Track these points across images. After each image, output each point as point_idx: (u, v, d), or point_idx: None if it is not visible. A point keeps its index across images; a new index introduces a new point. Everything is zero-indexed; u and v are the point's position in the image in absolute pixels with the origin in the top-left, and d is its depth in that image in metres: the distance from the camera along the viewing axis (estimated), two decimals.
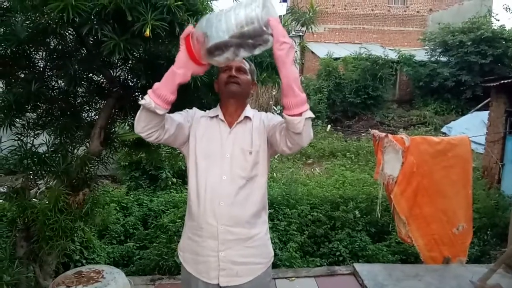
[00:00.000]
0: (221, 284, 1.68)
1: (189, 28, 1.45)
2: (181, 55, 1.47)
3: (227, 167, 1.66)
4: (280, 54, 1.36)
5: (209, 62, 1.48)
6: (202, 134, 1.72)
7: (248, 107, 1.79)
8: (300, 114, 1.41)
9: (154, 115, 1.49)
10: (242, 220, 1.65)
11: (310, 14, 2.52)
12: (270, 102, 14.05)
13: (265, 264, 1.75)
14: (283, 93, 1.43)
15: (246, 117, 1.73)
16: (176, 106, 2.67)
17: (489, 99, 8.35)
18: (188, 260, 1.75)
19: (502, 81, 7.02)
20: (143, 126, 1.52)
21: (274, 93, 14.05)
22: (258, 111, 1.85)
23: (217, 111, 1.77)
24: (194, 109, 1.83)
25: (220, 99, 1.79)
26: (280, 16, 2.81)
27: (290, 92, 1.40)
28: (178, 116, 1.72)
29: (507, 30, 14.20)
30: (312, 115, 1.46)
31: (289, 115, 1.42)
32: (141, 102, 1.47)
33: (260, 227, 1.72)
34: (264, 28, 1.36)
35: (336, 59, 14.69)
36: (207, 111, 1.83)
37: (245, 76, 1.73)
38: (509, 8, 17.14)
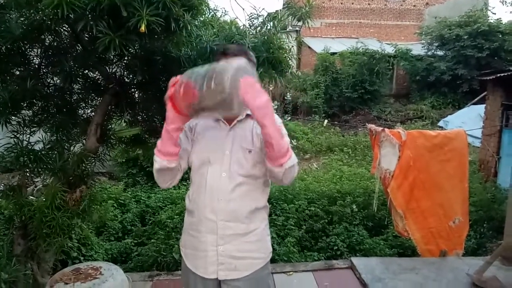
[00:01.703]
0: (219, 277, 1.70)
1: (170, 90, 1.49)
2: (169, 114, 1.53)
3: (227, 165, 1.67)
4: (256, 117, 1.41)
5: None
6: (203, 134, 1.74)
7: None
8: (281, 165, 1.50)
9: (170, 169, 1.63)
10: (240, 216, 1.67)
11: (307, 8, 2.52)
12: None
13: (264, 259, 1.77)
14: (264, 144, 1.51)
15: (248, 115, 1.72)
16: None
17: (485, 92, 8.36)
18: (188, 256, 1.78)
19: (499, 75, 7.02)
20: (168, 182, 1.71)
21: (271, 88, 14.04)
22: None
23: None
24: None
25: None
26: (276, 11, 2.82)
27: (270, 147, 1.47)
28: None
29: (503, 23, 14.21)
30: (294, 162, 1.52)
31: (269, 165, 1.51)
32: (156, 166, 1.62)
33: (258, 222, 1.74)
34: (228, 90, 1.33)
35: (333, 53, 14.67)
36: None
37: None
38: (506, 2, 17.11)
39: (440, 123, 11.94)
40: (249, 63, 1.59)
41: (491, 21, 14.52)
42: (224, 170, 1.67)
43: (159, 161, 1.60)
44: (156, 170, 1.63)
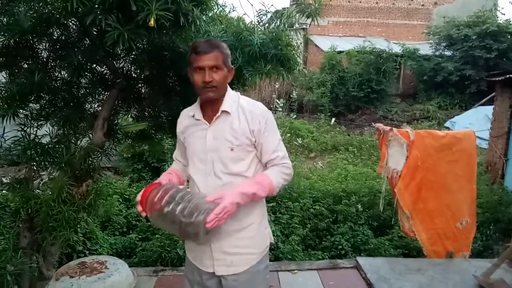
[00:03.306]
0: (217, 273, 1.73)
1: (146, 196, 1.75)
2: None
3: (210, 164, 1.69)
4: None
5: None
6: (188, 135, 1.78)
7: (226, 98, 1.72)
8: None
9: None
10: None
11: (316, 5, 2.50)
12: (273, 96, 14.01)
13: (259, 254, 1.78)
14: None
15: (224, 112, 1.70)
16: (179, 97, 2.67)
17: (493, 93, 8.28)
18: (189, 247, 1.85)
19: (507, 76, 6.95)
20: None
21: (277, 86, 14.01)
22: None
23: (195, 109, 1.77)
24: (177, 126, 1.87)
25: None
26: (284, 8, 2.80)
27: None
28: (180, 154, 1.91)
29: None
30: (286, 178, 1.71)
31: None
32: None
33: (252, 218, 1.74)
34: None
35: (340, 52, 14.60)
36: (191, 106, 1.83)
37: (221, 72, 1.65)
38: None
39: (447, 124, 11.86)
40: (224, 56, 1.65)
41: (500, 21, 14.37)
42: (209, 170, 1.69)
43: None
44: None
